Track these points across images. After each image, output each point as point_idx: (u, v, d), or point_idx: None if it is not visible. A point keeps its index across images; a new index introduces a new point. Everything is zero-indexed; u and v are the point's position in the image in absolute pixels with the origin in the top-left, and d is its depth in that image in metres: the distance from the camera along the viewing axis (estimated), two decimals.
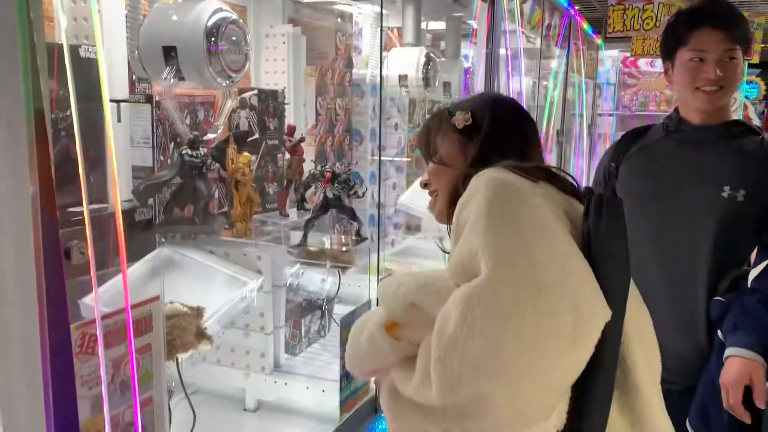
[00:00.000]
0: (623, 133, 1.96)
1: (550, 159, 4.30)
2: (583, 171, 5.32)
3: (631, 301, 1.01)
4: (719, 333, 1.52)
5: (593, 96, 5.84)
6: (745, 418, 1.44)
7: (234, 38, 1.19)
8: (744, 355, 1.44)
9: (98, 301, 0.92)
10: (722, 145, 1.64)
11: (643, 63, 6.59)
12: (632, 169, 1.80)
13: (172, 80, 1.16)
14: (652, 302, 1.72)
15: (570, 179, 1.08)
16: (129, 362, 0.87)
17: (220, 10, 1.19)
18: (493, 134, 1.11)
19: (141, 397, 0.90)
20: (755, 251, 1.61)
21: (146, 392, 0.92)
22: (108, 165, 1.79)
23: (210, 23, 1.16)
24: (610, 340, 0.87)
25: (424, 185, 1.22)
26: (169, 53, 1.13)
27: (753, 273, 1.54)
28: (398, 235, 3.23)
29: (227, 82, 1.18)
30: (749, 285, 1.54)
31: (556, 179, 1.04)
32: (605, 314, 0.84)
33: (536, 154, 1.15)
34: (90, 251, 0.71)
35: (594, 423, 0.87)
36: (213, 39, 1.15)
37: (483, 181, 0.96)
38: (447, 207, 1.13)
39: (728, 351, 1.47)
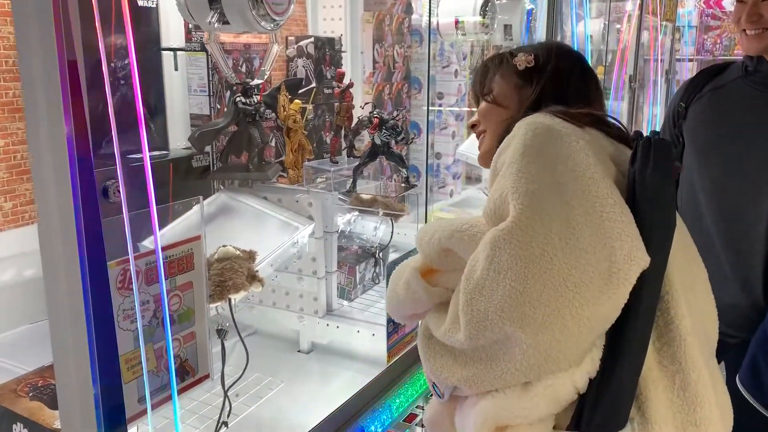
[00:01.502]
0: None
1: (621, 107, 4.11)
2: (658, 119, 5.07)
3: (684, 254, 0.98)
4: None
5: (672, 40, 5.50)
6: None
7: None
8: None
9: (146, 240, 0.96)
10: None
11: (728, 2, 6.13)
12: (701, 111, 1.70)
13: (216, 24, 1.16)
14: (709, 253, 1.67)
15: (618, 125, 1.04)
16: (171, 298, 0.91)
17: None
18: (553, 80, 1.08)
19: (182, 333, 0.95)
20: None
21: (188, 328, 0.97)
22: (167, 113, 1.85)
23: None
24: (648, 288, 0.84)
25: (472, 126, 1.21)
26: (213, 3, 1.14)
27: None
28: (457, 185, 3.19)
29: (272, 25, 1.18)
30: None
31: (604, 124, 1.01)
32: (643, 261, 0.82)
33: (597, 108, 1.11)
34: (122, 193, 0.74)
35: (625, 372, 0.85)
36: None
37: (524, 125, 0.94)
38: (493, 150, 1.10)
39: None
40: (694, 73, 1.85)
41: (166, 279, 0.89)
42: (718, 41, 6.43)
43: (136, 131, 1.78)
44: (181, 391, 0.96)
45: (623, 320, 0.84)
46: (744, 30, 1.54)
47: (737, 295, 1.61)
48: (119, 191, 0.74)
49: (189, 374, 0.99)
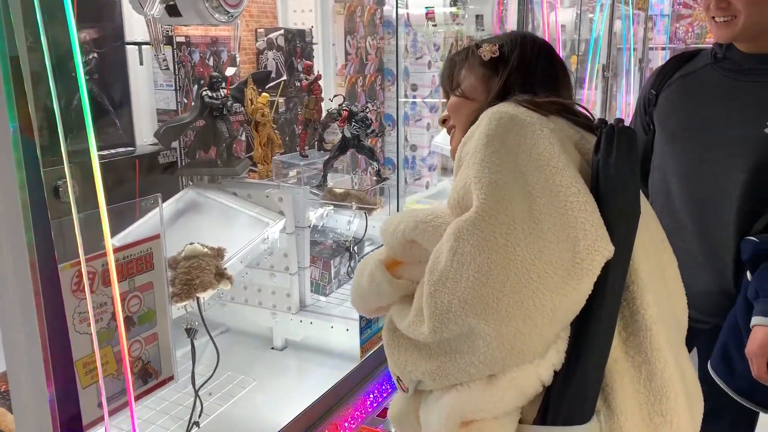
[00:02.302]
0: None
1: (595, 96, 4.13)
2: (631, 107, 5.10)
3: (651, 241, 0.97)
4: (747, 274, 1.45)
5: (645, 28, 5.54)
6: None
7: None
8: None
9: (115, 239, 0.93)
10: None
11: None
12: (672, 98, 1.70)
13: (164, 15, 1.12)
14: (680, 239, 1.68)
15: (585, 112, 1.03)
16: (130, 299, 0.89)
17: None
18: (519, 69, 1.07)
19: (144, 334, 0.92)
20: None
21: (149, 329, 0.94)
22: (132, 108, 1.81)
23: None
24: (613, 278, 0.84)
25: (443, 121, 1.20)
26: None
27: None
28: (433, 176, 3.19)
29: (225, 17, 1.14)
30: None
31: (570, 112, 1.00)
32: (606, 251, 0.81)
33: (565, 96, 1.10)
34: (71, 191, 0.71)
35: (591, 364, 0.85)
36: None
37: (488, 115, 0.93)
38: None
39: (753, 320, 1.41)
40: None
41: (124, 280, 0.87)
42: (690, 30, 6.49)
43: (101, 127, 1.74)
44: (143, 394, 0.94)
45: (588, 311, 0.83)
46: (713, 17, 1.54)
47: (708, 282, 1.62)
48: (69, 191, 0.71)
49: (152, 376, 0.97)
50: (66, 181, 0.75)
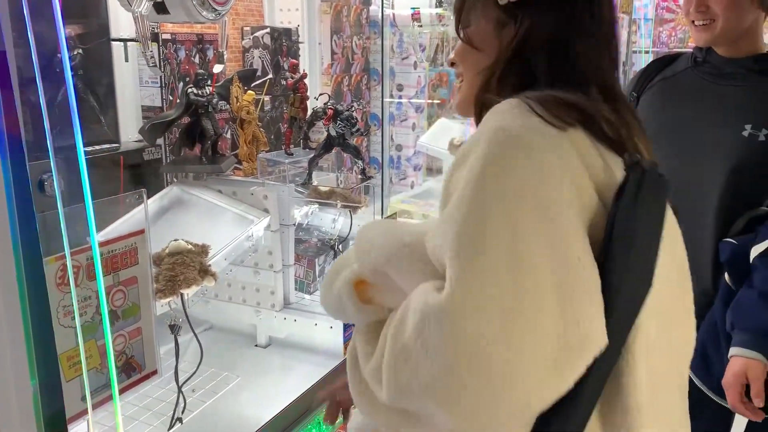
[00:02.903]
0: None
1: None
2: None
3: (669, 285, 0.83)
4: (725, 276, 1.48)
5: (629, 32, 5.60)
6: (751, 415, 1.41)
7: None
8: (743, 354, 1.39)
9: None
10: (750, 79, 1.56)
11: None
12: (652, 100, 1.73)
13: (151, 12, 1.12)
14: None
15: (618, 123, 0.82)
16: (114, 293, 0.89)
17: None
18: (545, 17, 0.83)
19: (128, 329, 0.93)
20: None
21: (133, 324, 0.95)
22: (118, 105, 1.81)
23: None
24: (599, 369, 0.71)
25: (451, 64, 0.97)
26: None
27: (757, 249, 1.46)
28: (418, 176, 3.21)
29: (213, 15, 1.14)
30: (751, 260, 1.45)
31: (594, 123, 0.79)
32: (598, 343, 0.69)
33: (608, 70, 0.87)
34: (56, 185, 0.72)
35: None
36: None
37: (488, 131, 0.75)
38: (470, 99, 0.91)
39: (731, 351, 1.42)
40: None
41: (108, 274, 0.88)
42: (673, 34, 6.57)
43: (86, 123, 1.74)
44: (127, 388, 0.95)
45: (562, 399, 0.70)
46: (693, 21, 1.57)
47: None
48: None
49: (135, 371, 0.97)
50: (51, 176, 0.75)
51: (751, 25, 1.55)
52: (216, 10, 1.14)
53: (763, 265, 1.42)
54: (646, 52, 6.40)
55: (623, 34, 5.43)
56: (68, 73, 0.76)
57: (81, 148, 0.73)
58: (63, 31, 0.76)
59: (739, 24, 1.53)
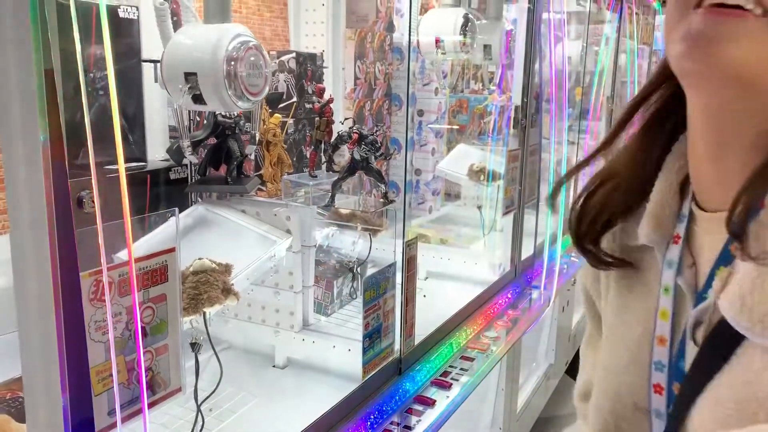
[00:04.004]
0: None
1: (599, 126, 4.18)
2: None
3: None
4: None
5: (649, 63, 5.62)
6: None
7: (253, 62, 1.20)
8: None
9: (121, 252, 0.95)
10: None
11: None
12: None
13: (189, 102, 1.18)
14: None
15: None
16: (144, 310, 0.90)
17: (240, 35, 1.20)
18: None
19: (155, 345, 0.94)
20: None
21: (161, 341, 0.96)
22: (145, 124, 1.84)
23: (230, 47, 1.16)
24: None
25: None
26: (190, 78, 1.16)
27: None
28: (437, 201, 3.22)
29: (248, 105, 1.20)
30: None
31: None
32: None
33: None
34: (96, 202, 0.73)
35: None
36: (233, 64, 1.15)
37: None
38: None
39: None
40: None
41: (139, 291, 0.89)
42: None
43: (114, 142, 1.78)
44: (152, 405, 0.96)
45: None
46: None
47: None
48: (94, 201, 0.73)
49: (161, 387, 0.98)
50: (90, 192, 0.77)
51: None
52: (250, 100, 1.19)
53: None
54: None
55: (644, 66, 5.45)
56: (113, 92, 0.78)
57: (122, 166, 0.75)
58: (110, 51, 0.79)
59: None
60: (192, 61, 1.14)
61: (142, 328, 0.91)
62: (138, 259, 0.89)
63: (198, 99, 1.15)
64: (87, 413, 0.78)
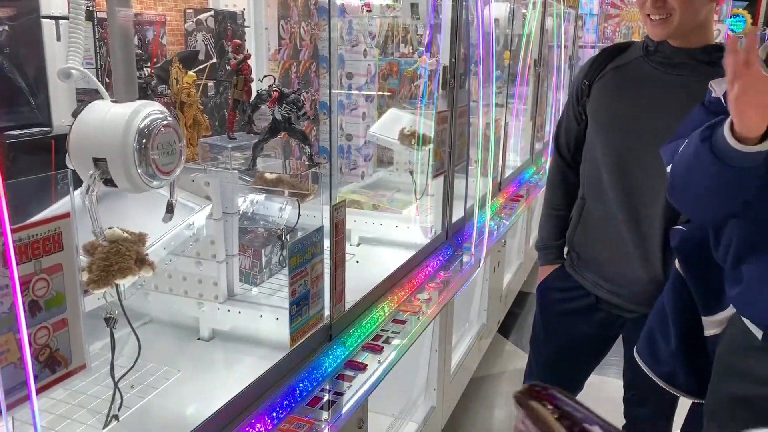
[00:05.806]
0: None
1: (526, 91, 4.21)
2: (560, 104, 5.24)
3: None
4: (676, 263, 1.49)
5: (575, 27, 5.69)
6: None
7: (166, 141, 1.13)
8: None
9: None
10: (699, 69, 1.57)
11: None
12: (604, 89, 1.74)
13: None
14: (612, 228, 1.71)
15: None
16: (36, 282, 0.82)
17: (151, 114, 1.11)
18: None
19: (52, 320, 0.86)
20: None
21: (58, 315, 0.88)
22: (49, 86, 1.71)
23: (141, 128, 1.09)
24: None
25: None
26: (100, 163, 1.08)
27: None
28: (369, 167, 3.17)
29: (159, 183, 1.15)
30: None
31: None
32: None
33: None
34: None
35: None
36: (144, 145, 1.09)
37: None
38: None
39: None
40: None
41: (28, 261, 0.81)
42: (618, 29, 6.72)
43: (14, 106, 1.64)
44: (52, 384, 0.88)
45: None
46: (648, 15, 1.56)
47: (638, 270, 1.67)
48: None
49: (61, 365, 0.91)
50: None
51: (704, 17, 1.56)
52: (162, 179, 1.13)
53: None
54: (592, 47, 6.52)
55: (570, 29, 5.52)
56: None
57: None
58: None
59: (695, 17, 1.54)
60: (100, 146, 1.07)
61: (35, 301, 0.83)
62: (24, 227, 0.81)
63: (109, 182, 1.10)
64: None
